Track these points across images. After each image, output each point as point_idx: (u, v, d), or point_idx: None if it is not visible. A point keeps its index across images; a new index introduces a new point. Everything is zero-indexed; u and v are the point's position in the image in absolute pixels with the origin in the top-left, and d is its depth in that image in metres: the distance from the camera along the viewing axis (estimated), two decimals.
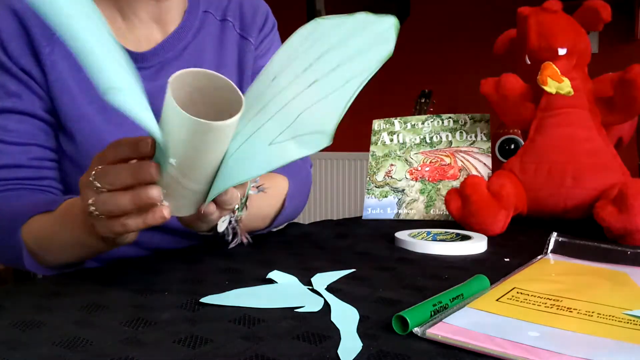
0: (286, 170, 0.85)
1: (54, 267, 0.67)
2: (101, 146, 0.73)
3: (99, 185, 0.51)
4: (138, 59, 0.79)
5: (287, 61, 0.52)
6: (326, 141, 0.48)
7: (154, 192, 0.50)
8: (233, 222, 0.67)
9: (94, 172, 0.51)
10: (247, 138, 0.50)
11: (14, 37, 0.73)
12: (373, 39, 0.51)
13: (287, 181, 0.84)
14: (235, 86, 0.49)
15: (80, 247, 0.62)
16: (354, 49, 0.50)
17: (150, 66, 0.80)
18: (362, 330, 0.43)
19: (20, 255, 0.65)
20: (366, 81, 0.48)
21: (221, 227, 0.63)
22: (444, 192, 0.96)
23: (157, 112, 0.82)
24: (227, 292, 0.53)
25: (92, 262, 0.80)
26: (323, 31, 0.51)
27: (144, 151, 0.51)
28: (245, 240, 0.71)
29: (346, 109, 0.48)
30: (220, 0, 0.88)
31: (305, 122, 0.49)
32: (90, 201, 0.51)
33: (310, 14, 3.07)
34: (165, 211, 0.50)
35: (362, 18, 0.51)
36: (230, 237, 0.68)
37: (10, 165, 0.72)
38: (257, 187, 0.68)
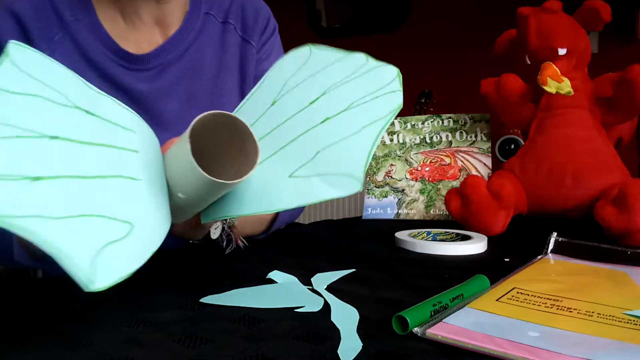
0: None
1: (45, 261, 0.67)
2: None
3: None
4: (139, 61, 0.79)
5: (284, 86, 0.52)
6: (357, 187, 0.47)
7: None
8: (226, 228, 0.66)
9: None
10: (260, 161, 0.49)
11: (13, 38, 0.73)
12: (379, 87, 0.50)
13: None
14: (250, 129, 0.48)
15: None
16: (362, 93, 0.50)
17: (150, 68, 0.80)
18: (362, 330, 0.43)
19: (10, 248, 0.65)
20: (383, 132, 0.48)
21: (214, 234, 0.62)
22: (444, 192, 0.96)
23: (156, 115, 0.82)
24: (227, 292, 0.53)
25: None
26: (322, 63, 0.52)
27: None
28: (241, 244, 0.71)
29: (370, 157, 0.47)
30: (221, 2, 0.88)
31: (328, 162, 0.49)
32: None
33: (311, 14, 3.07)
34: None
35: (362, 60, 0.51)
36: (224, 244, 0.68)
37: None
38: None
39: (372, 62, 0.52)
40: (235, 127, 0.48)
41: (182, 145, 0.46)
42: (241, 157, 0.49)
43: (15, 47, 0.41)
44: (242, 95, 0.88)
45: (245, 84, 0.88)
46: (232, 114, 0.48)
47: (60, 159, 0.38)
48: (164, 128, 0.80)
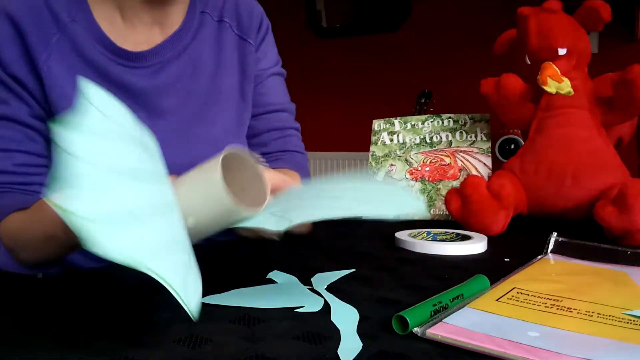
0: (295, 165, 0.89)
1: (30, 266, 0.67)
2: None
3: None
4: (137, 58, 0.79)
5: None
6: (284, 226, 0.49)
7: None
8: None
9: None
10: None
11: (8, 42, 0.73)
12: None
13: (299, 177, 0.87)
14: (262, 174, 0.51)
15: (52, 243, 0.63)
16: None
17: (149, 65, 0.80)
18: (362, 330, 0.43)
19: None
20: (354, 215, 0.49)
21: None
22: (444, 192, 0.96)
23: (154, 110, 0.82)
24: (227, 292, 0.53)
25: (92, 262, 0.80)
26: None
27: None
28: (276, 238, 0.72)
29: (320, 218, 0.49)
30: (215, 1, 0.88)
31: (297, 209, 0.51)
32: None
33: (311, 14, 3.07)
34: None
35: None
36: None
37: None
38: None
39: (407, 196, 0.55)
40: (244, 165, 0.50)
41: (208, 173, 0.47)
42: (241, 194, 0.51)
43: (95, 93, 0.43)
44: (242, 92, 0.88)
45: (245, 81, 0.88)
46: (247, 155, 0.50)
47: (146, 200, 0.40)
48: (165, 125, 0.81)
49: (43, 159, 0.76)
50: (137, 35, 0.80)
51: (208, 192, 0.47)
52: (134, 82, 0.78)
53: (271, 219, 0.48)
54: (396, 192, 0.54)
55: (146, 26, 0.81)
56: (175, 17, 0.83)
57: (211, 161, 0.48)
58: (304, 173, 0.90)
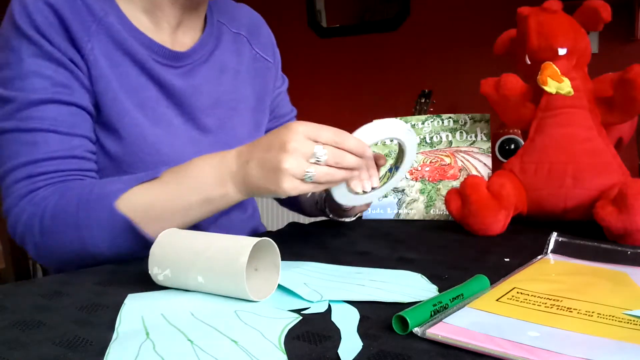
0: None
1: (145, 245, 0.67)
2: (146, 145, 0.77)
3: (324, 159, 0.60)
4: (173, 57, 0.81)
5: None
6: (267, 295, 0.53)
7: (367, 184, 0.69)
8: None
9: (320, 148, 0.60)
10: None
11: (56, 29, 0.71)
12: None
13: None
14: (279, 267, 0.54)
15: (208, 204, 0.67)
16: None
17: (183, 65, 0.82)
18: (362, 330, 0.43)
19: (121, 233, 0.66)
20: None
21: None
22: (444, 192, 0.96)
23: (188, 110, 0.84)
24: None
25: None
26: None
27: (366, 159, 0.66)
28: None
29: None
30: (227, 12, 0.92)
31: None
32: (311, 169, 0.60)
33: (311, 14, 3.07)
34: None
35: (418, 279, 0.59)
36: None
37: (66, 157, 0.71)
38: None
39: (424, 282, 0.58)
40: (268, 251, 0.54)
41: (236, 261, 0.50)
42: (253, 273, 0.55)
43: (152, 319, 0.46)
44: (260, 102, 0.94)
45: (263, 92, 0.94)
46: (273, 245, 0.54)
47: None
48: (195, 124, 0.83)
49: (95, 147, 0.76)
50: (162, 36, 0.81)
51: (228, 274, 0.50)
52: (169, 79, 0.80)
53: (305, 289, 0.53)
54: (411, 278, 0.59)
55: (172, 28, 0.82)
56: (197, 21, 0.85)
57: (244, 247, 0.51)
58: None
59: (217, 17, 0.90)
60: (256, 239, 0.51)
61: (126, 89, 0.76)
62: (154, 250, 0.55)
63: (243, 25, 0.94)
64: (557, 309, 0.46)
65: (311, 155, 0.60)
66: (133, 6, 0.79)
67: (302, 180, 0.61)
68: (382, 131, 0.67)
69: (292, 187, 0.61)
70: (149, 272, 0.55)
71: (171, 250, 0.54)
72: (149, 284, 0.56)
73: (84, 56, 0.73)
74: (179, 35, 0.84)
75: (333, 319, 0.46)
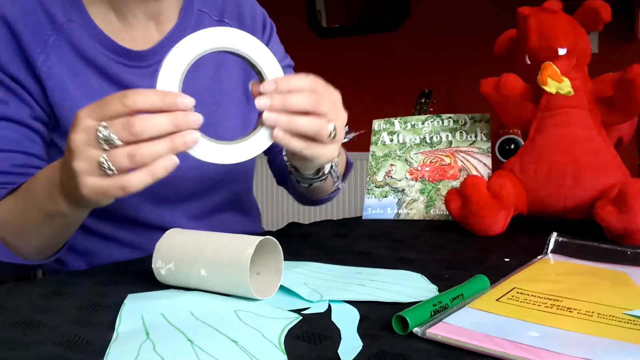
0: None
1: (28, 257, 0.66)
2: None
3: (115, 138, 0.49)
4: (138, 58, 0.78)
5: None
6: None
7: (195, 134, 0.52)
8: (334, 166, 0.77)
9: (103, 127, 0.49)
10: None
11: (3, 43, 0.71)
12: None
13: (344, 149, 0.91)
14: (281, 271, 0.54)
15: (51, 220, 0.61)
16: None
17: (150, 65, 0.79)
18: (362, 330, 0.43)
19: None
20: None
21: (327, 168, 0.75)
22: (444, 192, 0.96)
23: None
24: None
25: (96, 260, 0.80)
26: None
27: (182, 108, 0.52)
28: (341, 186, 0.83)
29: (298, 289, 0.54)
30: (214, 1, 0.87)
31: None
32: (102, 158, 0.50)
33: (311, 14, 3.07)
34: (176, 159, 0.51)
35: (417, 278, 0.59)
36: (334, 179, 0.80)
37: None
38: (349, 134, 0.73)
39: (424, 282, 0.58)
40: (273, 251, 0.54)
41: (240, 254, 0.50)
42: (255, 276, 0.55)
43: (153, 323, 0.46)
44: (246, 93, 0.87)
45: (250, 81, 0.88)
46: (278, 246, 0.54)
47: None
48: None
49: (41, 161, 0.75)
50: (133, 33, 0.79)
51: (232, 267, 0.50)
52: (136, 82, 0.77)
53: (305, 289, 0.53)
54: (411, 278, 0.59)
55: (141, 23, 0.79)
56: (170, 13, 0.81)
57: (249, 242, 0.50)
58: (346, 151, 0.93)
59: (198, 6, 0.85)
60: (263, 237, 0.51)
61: (88, 97, 0.74)
62: (160, 244, 0.55)
63: (227, 11, 0.88)
64: (557, 309, 0.46)
65: (98, 141, 0.50)
66: (101, 7, 0.77)
67: (106, 175, 0.50)
68: (198, 46, 0.54)
69: (90, 190, 0.51)
70: (152, 266, 0.55)
71: (178, 243, 0.54)
72: (149, 284, 0.56)
73: (35, 69, 0.72)
74: (151, 31, 0.80)
75: (333, 319, 0.46)
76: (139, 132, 0.49)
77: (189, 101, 0.52)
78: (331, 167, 0.76)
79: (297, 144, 0.57)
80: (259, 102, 0.55)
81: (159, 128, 0.50)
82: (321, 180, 0.79)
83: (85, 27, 0.76)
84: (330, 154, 0.61)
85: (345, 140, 0.69)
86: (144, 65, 0.79)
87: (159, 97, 0.51)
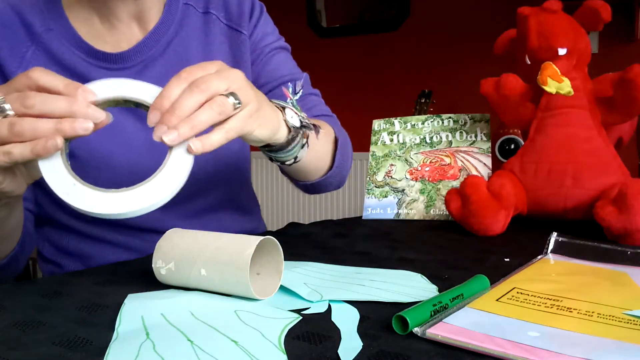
0: (330, 123, 0.89)
1: None
2: (93, 160, 0.72)
3: (8, 106, 0.49)
4: (118, 60, 0.77)
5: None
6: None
7: (88, 123, 0.50)
8: (303, 120, 0.69)
9: (2, 98, 0.50)
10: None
11: None
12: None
13: (333, 128, 0.87)
14: (282, 271, 0.54)
15: None
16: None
17: (132, 65, 0.78)
18: (362, 330, 0.43)
19: None
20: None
21: (294, 122, 0.67)
22: (444, 192, 0.96)
23: (142, 113, 0.81)
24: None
25: (91, 262, 0.80)
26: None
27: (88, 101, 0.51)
28: (317, 133, 0.72)
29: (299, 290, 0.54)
30: None
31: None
32: None
33: (311, 14, 3.07)
34: (59, 140, 0.49)
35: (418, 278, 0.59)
36: (301, 131, 0.69)
37: None
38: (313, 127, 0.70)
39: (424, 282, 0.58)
40: (268, 252, 0.54)
41: (241, 254, 0.50)
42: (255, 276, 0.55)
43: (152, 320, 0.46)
44: None
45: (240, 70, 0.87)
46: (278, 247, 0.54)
47: None
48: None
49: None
50: (117, 35, 0.78)
51: (232, 266, 0.50)
52: None
53: (305, 289, 0.53)
54: (411, 278, 0.59)
55: (124, 24, 0.78)
56: (153, 10, 0.80)
57: (250, 242, 0.51)
58: (342, 133, 0.90)
59: (184, 0, 0.83)
60: (263, 237, 0.51)
61: None
62: (160, 244, 0.55)
63: (213, 2, 0.85)
64: (557, 309, 0.46)
65: None
66: (83, 11, 0.76)
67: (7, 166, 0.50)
68: (114, 90, 0.55)
69: None
70: (152, 266, 0.55)
71: (179, 242, 0.54)
72: (149, 284, 0.56)
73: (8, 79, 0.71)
74: (134, 31, 0.79)
75: (333, 319, 0.46)
76: (30, 104, 0.49)
77: (92, 96, 0.52)
78: (289, 131, 0.67)
79: (217, 138, 0.54)
80: (156, 134, 0.51)
81: (51, 106, 0.49)
82: (289, 151, 0.69)
83: (64, 35, 0.75)
84: (265, 120, 0.59)
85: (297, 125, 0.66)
86: (126, 66, 0.78)
87: (61, 80, 0.51)
